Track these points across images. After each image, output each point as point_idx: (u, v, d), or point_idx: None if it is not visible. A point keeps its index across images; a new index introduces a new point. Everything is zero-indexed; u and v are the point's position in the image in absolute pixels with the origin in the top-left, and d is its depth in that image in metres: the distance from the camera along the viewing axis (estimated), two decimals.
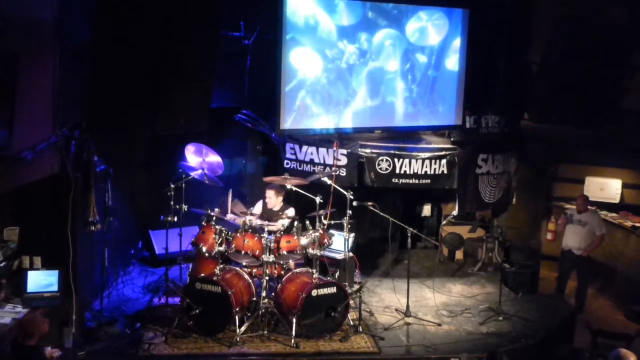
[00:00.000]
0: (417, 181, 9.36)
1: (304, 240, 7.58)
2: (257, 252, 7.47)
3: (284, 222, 7.98)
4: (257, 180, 9.98)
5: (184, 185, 7.99)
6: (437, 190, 9.87)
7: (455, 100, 10.12)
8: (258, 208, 8.41)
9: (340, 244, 8.15)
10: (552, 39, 10.64)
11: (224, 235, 7.65)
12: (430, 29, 9.84)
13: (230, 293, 7.14)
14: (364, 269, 9.29)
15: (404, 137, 9.83)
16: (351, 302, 7.69)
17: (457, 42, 10.02)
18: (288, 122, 9.15)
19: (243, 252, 7.49)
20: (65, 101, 6.81)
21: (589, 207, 9.32)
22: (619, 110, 10.53)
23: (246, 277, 7.60)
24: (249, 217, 7.87)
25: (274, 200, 8.20)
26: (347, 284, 8.18)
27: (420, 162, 9.31)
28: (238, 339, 7.12)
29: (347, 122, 9.56)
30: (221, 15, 8.58)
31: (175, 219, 8.02)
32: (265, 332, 7.31)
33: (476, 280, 9.65)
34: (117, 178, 8.10)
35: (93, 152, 7.32)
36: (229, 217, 8.34)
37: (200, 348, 7.06)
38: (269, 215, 8.17)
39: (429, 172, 9.36)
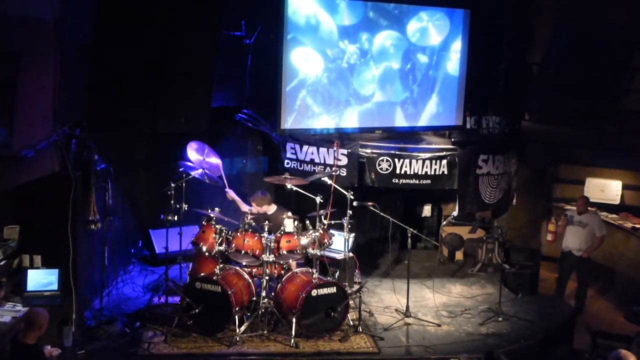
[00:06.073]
0: (417, 181, 9.36)
1: (304, 240, 7.59)
2: (257, 252, 7.48)
3: (289, 222, 7.96)
4: (258, 180, 9.98)
5: (184, 184, 8.00)
6: (437, 191, 9.88)
7: (455, 100, 10.12)
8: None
9: (340, 243, 8.15)
10: (553, 40, 10.64)
11: (223, 234, 7.66)
12: (431, 29, 9.83)
13: (229, 292, 7.15)
14: (364, 268, 9.30)
15: (404, 137, 9.82)
16: (351, 302, 7.69)
17: (458, 43, 10.02)
18: (288, 122, 9.15)
19: (243, 252, 7.49)
20: (66, 100, 6.80)
21: (589, 208, 9.31)
22: (619, 111, 10.53)
23: (246, 276, 7.60)
24: (249, 217, 7.87)
25: (258, 209, 8.22)
26: (346, 283, 8.19)
27: (420, 162, 9.31)
28: (237, 339, 7.13)
29: (348, 121, 9.56)
30: (222, 14, 8.57)
31: (175, 218, 8.03)
32: (265, 332, 7.32)
33: (476, 281, 9.65)
34: (117, 177, 8.10)
35: (93, 151, 7.33)
36: (230, 193, 8.44)
37: (200, 347, 7.06)
38: (265, 218, 8.16)
39: (429, 172, 9.35)
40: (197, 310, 7.20)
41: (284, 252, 7.52)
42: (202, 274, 7.55)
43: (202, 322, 7.27)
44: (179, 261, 8.39)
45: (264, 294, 7.40)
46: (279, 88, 8.96)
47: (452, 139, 9.89)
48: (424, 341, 7.52)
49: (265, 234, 7.44)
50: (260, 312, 7.35)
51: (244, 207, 8.49)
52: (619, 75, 10.50)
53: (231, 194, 8.56)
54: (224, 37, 9.12)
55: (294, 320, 7.24)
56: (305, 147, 9.38)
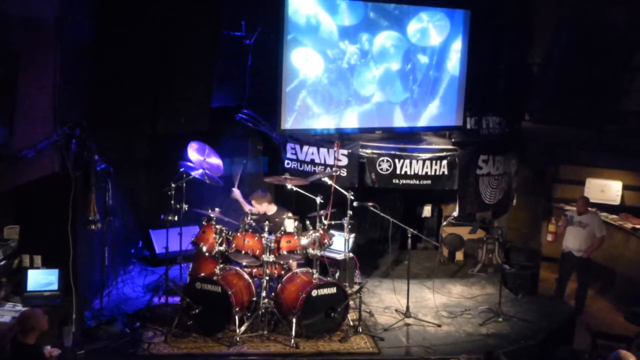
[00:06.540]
0: (417, 182, 9.36)
1: (304, 240, 7.58)
2: (257, 252, 7.47)
3: (289, 222, 7.96)
4: (258, 180, 9.97)
5: (184, 185, 8.00)
6: (438, 191, 9.87)
7: (455, 100, 10.12)
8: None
9: (340, 244, 8.15)
10: (553, 40, 10.65)
11: (224, 234, 7.66)
12: (432, 29, 9.83)
13: (230, 293, 7.14)
14: (364, 269, 9.31)
15: (404, 138, 9.82)
16: (351, 302, 7.69)
17: (458, 43, 10.01)
18: (289, 122, 9.14)
19: (243, 252, 7.49)
20: (66, 100, 6.81)
21: (589, 209, 9.30)
22: (619, 111, 10.53)
23: (246, 276, 7.60)
24: (249, 217, 7.87)
25: (258, 208, 8.24)
26: (346, 284, 8.19)
27: (420, 162, 9.31)
28: (237, 339, 7.13)
29: (348, 122, 9.56)
30: (222, 14, 8.57)
31: (176, 218, 8.02)
32: (265, 332, 7.32)
33: (476, 281, 9.65)
34: (117, 177, 8.10)
35: (93, 151, 7.32)
36: (236, 193, 8.48)
37: (200, 347, 7.06)
38: (265, 219, 8.16)
39: (429, 173, 9.35)
40: (197, 311, 7.20)
41: (284, 252, 7.51)
42: (202, 274, 7.55)
43: (202, 322, 7.26)
44: (179, 261, 8.39)
45: (264, 294, 7.40)
46: (279, 88, 8.95)
47: (452, 140, 9.88)
48: (424, 342, 7.52)
49: (266, 234, 7.44)
50: (260, 312, 7.35)
51: (247, 208, 8.49)
52: (619, 75, 10.51)
53: (237, 194, 8.56)
54: (224, 37, 9.12)
55: (294, 320, 7.24)
56: (305, 148, 9.38)
